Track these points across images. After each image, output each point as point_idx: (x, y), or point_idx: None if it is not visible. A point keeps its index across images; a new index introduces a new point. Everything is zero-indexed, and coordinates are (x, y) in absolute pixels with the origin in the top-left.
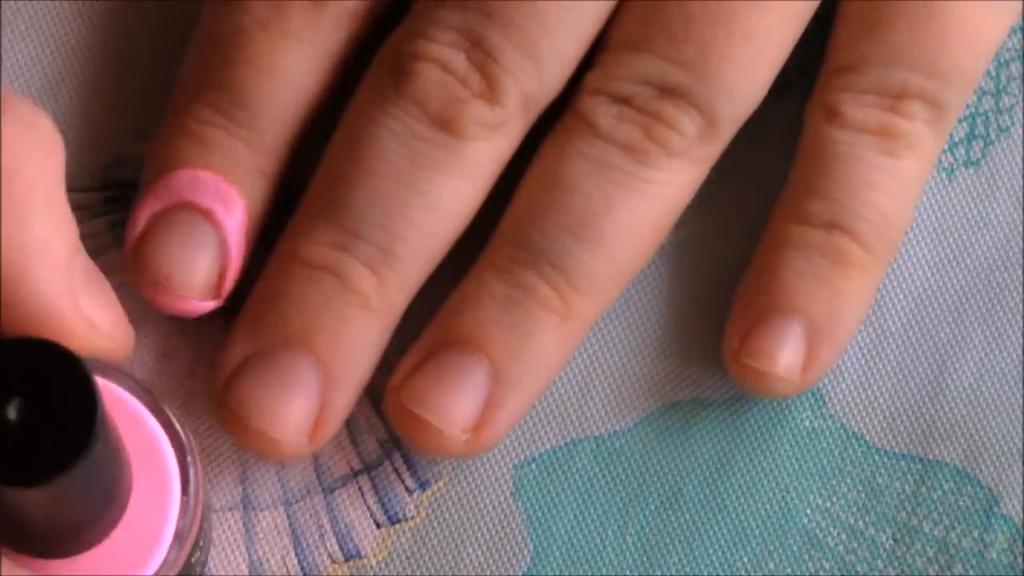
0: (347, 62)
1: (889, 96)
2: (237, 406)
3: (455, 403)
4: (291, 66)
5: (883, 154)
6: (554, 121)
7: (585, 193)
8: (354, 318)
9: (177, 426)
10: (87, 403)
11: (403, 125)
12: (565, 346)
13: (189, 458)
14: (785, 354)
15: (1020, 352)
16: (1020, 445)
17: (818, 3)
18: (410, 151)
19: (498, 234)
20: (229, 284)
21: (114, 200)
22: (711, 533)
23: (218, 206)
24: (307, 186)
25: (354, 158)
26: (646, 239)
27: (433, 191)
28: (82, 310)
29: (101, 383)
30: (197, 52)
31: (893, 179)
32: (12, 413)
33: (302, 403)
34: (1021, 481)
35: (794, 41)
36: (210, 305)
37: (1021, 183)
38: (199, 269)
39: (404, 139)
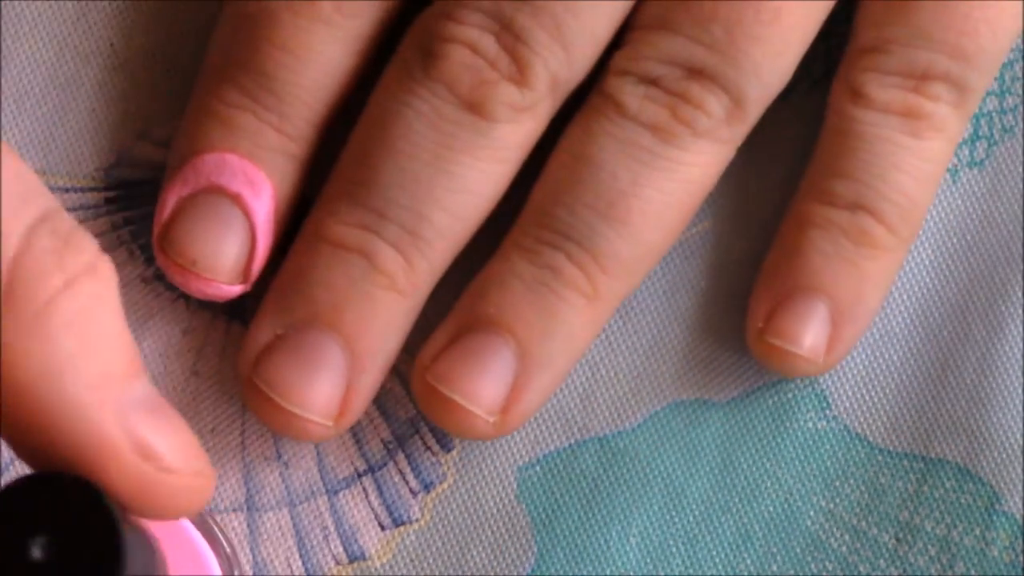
0: (377, 46)
1: (914, 77)
2: (265, 385)
3: (483, 384)
4: (320, 49)
5: (908, 135)
6: (581, 101)
7: (612, 173)
8: (381, 299)
9: (221, 537)
10: (111, 541)
11: (432, 107)
12: (591, 327)
13: (236, 571)
14: (810, 334)
15: (1022, 351)
16: (1022, 442)
17: None
18: (439, 133)
19: (525, 214)
20: (257, 268)
21: (115, 200)
22: (715, 534)
23: (246, 190)
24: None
25: (382, 139)
26: (673, 220)
27: (461, 173)
28: (134, 434)
29: None
30: (224, 34)
31: (918, 160)
32: (36, 551)
33: (329, 383)
34: (1022, 478)
35: (820, 23)
36: (237, 290)
37: None
38: (227, 253)
39: (433, 121)
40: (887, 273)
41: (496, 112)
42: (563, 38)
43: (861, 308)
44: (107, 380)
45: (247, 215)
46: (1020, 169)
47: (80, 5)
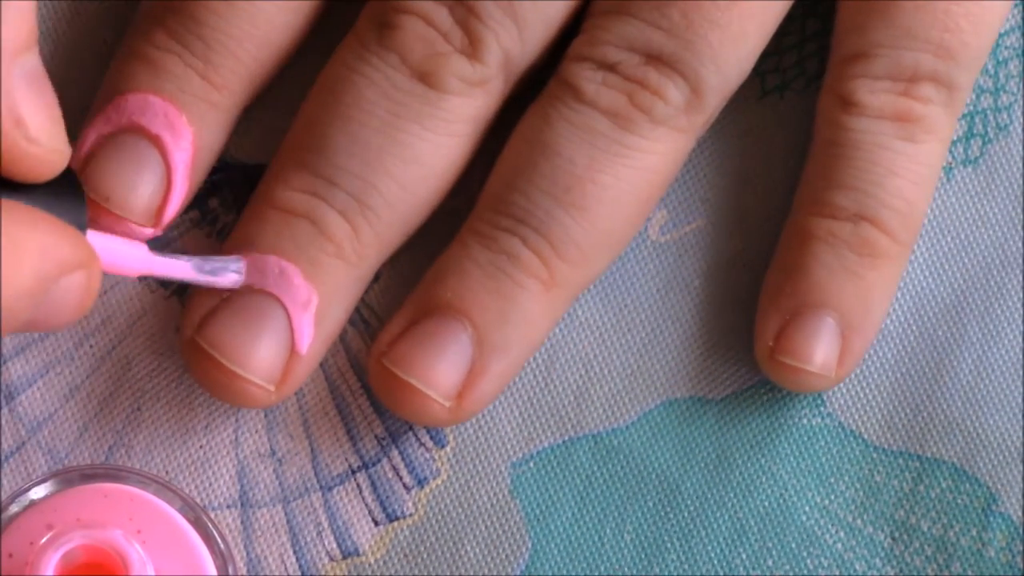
0: (322, 14)
1: (902, 80)
2: (208, 345)
3: (439, 369)
4: (258, 5)
5: (903, 139)
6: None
7: (569, 158)
8: (326, 265)
9: (219, 540)
10: None
11: (384, 75)
12: (549, 313)
13: (230, 568)
14: (820, 351)
15: (1018, 350)
16: (1018, 443)
17: None
18: (389, 101)
19: (481, 200)
20: (171, 212)
21: None
22: (710, 531)
23: (166, 133)
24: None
25: (333, 106)
26: (631, 207)
27: (410, 142)
28: (13, 103)
29: (148, 499)
30: None
31: (914, 164)
32: None
33: (272, 347)
34: (1019, 479)
35: (779, 17)
36: (148, 232)
37: (1019, 181)
38: (140, 193)
39: (384, 89)
40: (891, 280)
41: (447, 83)
42: (516, 15)
43: (869, 319)
44: (10, 47)
45: (164, 158)
46: (1014, 166)
47: (77, 5)
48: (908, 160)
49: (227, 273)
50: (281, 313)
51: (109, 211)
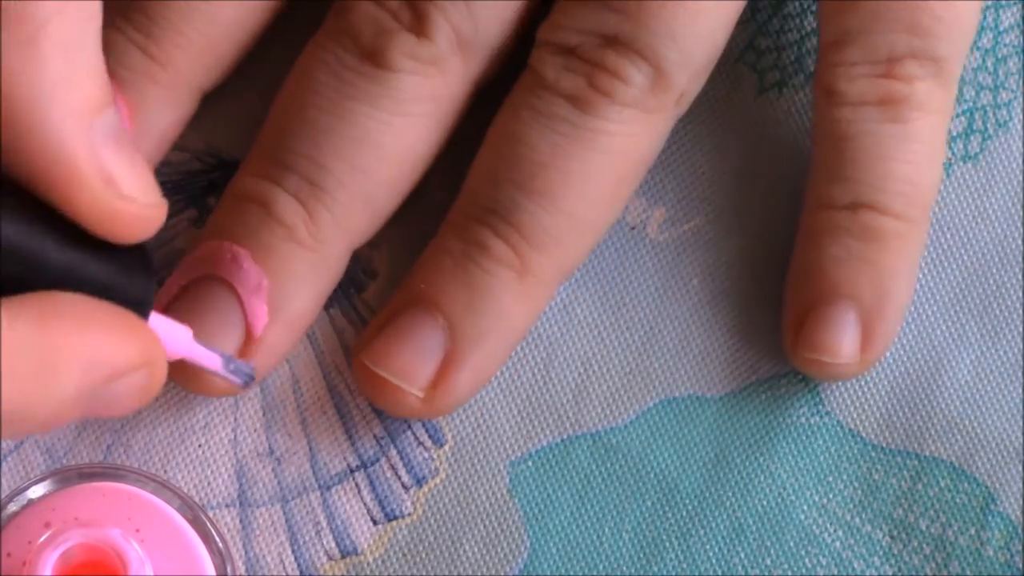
0: (279, 7)
1: (880, 62)
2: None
3: (411, 360)
4: None
5: (890, 122)
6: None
7: (532, 145)
8: (278, 249)
9: (217, 539)
10: None
11: (336, 57)
12: (525, 303)
13: (228, 568)
14: (840, 341)
15: (1017, 349)
16: (1017, 443)
17: None
18: (339, 81)
19: (460, 195)
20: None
21: None
22: (708, 529)
23: None
24: None
25: (291, 92)
26: (602, 191)
27: (360, 122)
28: (101, 162)
29: (147, 498)
30: None
31: (908, 143)
32: None
33: (224, 331)
34: (1018, 479)
35: None
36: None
37: (1019, 178)
38: None
39: (335, 70)
40: (906, 258)
41: (394, 61)
42: None
43: (887, 302)
44: (88, 106)
45: None
46: (1014, 163)
47: None
48: (899, 141)
49: (243, 374)
50: (232, 299)
51: None
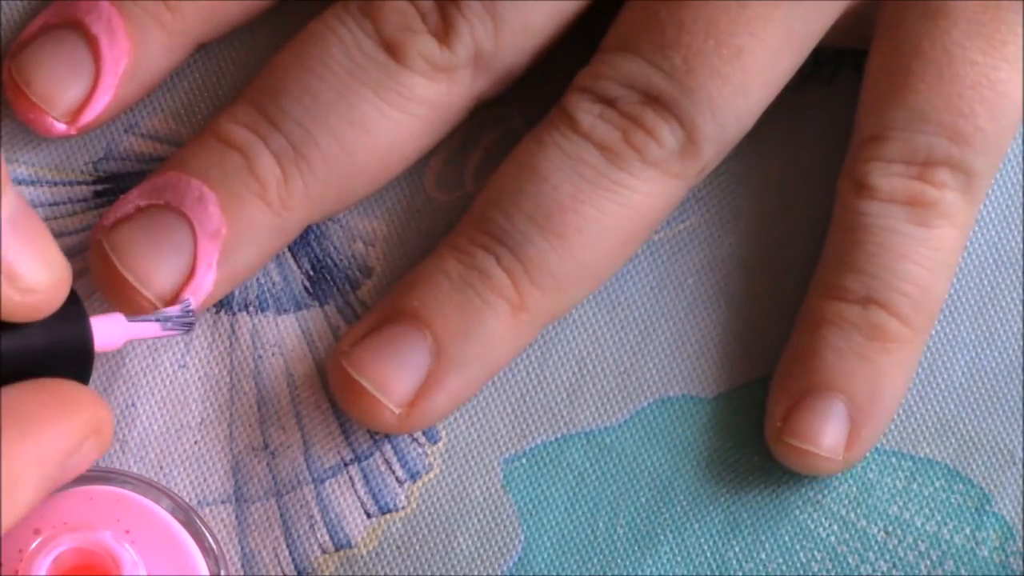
0: None
1: (916, 164)
2: (112, 250)
3: (394, 374)
4: None
5: (915, 224)
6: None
7: (555, 185)
8: (246, 202)
9: (209, 538)
10: None
11: (354, 38)
12: (514, 337)
13: (221, 566)
14: (828, 434)
15: (1012, 351)
16: (1012, 444)
17: (821, 35)
18: (351, 62)
19: (465, 217)
20: (89, 115)
21: (105, 194)
22: (703, 524)
23: (104, 36)
24: None
25: (298, 55)
26: (611, 243)
27: (360, 106)
28: (7, 258)
29: (136, 499)
30: None
31: (927, 249)
32: None
33: (171, 262)
34: (1013, 480)
35: (786, 75)
36: (62, 128)
37: (1014, 180)
38: (62, 87)
39: (349, 50)
40: (904, 366)
41: (410, 59)
42: (496, 13)
43: (878, 404)
44: None
45: (96, 60)
46: (1009, 167)
47: None
48: (920, 244)
49: (182, 324)
50: (189, 236)
51: (28, 99)
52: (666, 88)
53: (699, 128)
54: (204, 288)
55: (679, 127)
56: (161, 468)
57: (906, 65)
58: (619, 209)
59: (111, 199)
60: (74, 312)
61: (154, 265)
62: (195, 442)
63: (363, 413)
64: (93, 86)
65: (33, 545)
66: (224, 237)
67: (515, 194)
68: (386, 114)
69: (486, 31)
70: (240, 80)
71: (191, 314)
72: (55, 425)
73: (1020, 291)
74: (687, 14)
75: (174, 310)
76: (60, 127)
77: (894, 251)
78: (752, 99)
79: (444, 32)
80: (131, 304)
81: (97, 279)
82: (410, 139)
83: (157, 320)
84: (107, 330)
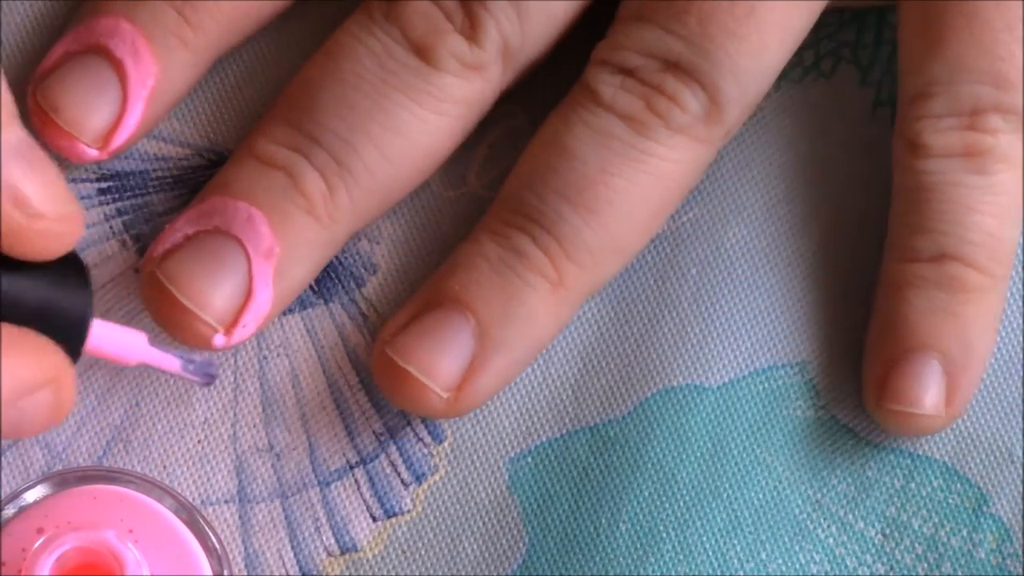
0: None
1: (965, 115)
2: (166, 279)
3: (440, 359)
4: None
5: (975, 173)
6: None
7: (583, 160)
8: (296, 219)
9: (213, 538)
10: None
11: (383, 46)
12: (555, 314)
13: (225, 566)
14: (927, 393)
15: (1011, 350)
16: (1010, 444)
17: None
18: (383, 70)
19: (498, 199)
20: (119, 140)
21: (108, 191)
22: (704, 523)
23: (129, 59)
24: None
25: (330, 68)
26: (644, 213)
27: (397, 113)
28: (8, 181)
29: (139, 499)
30: None
31: (991, 196)
32: None
33: (228, 286)
34: (1011, 481)
35: (803, 30)
36: (93, 154)
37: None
38: (91, 112)
39: (380, 58)
40: (989, 313)
41: (441, 60)
42: (520, 6)
43: (971, 355)
44: None
45: (123, 84)
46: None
47: (76, 4)
48: (984, 193)
49: (203, 375)
50: (242, 257)
51: (58, 126)
52: (684, 53)
53: (721, 90)
54: (263, 308)
55: (701, 91)
56: (164, 467)
57: (936, 18)
58: (649, 178)
59: (115, 196)
60: (78, 283)
61: (211, 289)
62: (198, 441)
63: (411, 400)
64: (122, 109)
65: (36, 544)
66: (277, 255)
67: (545, 173)
68: (422, 117)
69: (512, 24)
70: (241, 78)
71: (214, 367)
72: (12, 359)
73: (1020, 291)
74: None
75: (200, 356)
76: (92, 153)
77: (960, 204)
78: (770, 57)
79: (471, 30)
80: (190, 331)
81: (153, 310)
82: (445, 140)
83: (180, 358)
84: (126, 342)
